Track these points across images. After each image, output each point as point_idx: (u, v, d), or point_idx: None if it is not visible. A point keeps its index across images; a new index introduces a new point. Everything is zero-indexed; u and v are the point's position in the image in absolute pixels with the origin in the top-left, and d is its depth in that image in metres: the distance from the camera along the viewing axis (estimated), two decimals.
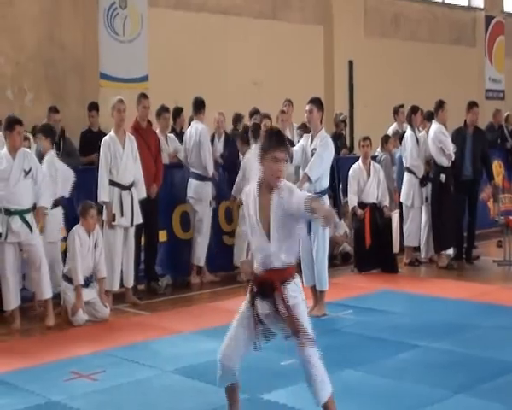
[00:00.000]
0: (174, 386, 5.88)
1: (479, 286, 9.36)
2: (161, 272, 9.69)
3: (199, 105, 9.92)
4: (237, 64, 13.81)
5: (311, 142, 7.95)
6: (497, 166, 13.59)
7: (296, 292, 4.51)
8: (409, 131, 10.90)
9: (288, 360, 6.34)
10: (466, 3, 19.57)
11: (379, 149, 11.98)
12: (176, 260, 10.01)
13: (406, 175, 10.78)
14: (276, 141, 4.42)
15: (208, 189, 9.83)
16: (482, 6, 19.60)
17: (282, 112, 11.11)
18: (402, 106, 12.27)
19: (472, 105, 10.83)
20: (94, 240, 8.03)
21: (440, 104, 10.70)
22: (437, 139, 10.46)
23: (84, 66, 12.14)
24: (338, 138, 12.89)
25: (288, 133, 11.19)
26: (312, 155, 7.86)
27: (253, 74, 14.02)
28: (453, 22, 18.85)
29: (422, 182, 10.72)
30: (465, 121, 10.85)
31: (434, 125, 10.62)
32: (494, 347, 6.62)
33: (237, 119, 11.69)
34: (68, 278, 7.95)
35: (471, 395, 5.41)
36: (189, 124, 10.23)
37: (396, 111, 12.32)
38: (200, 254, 9.78)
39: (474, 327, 7.30)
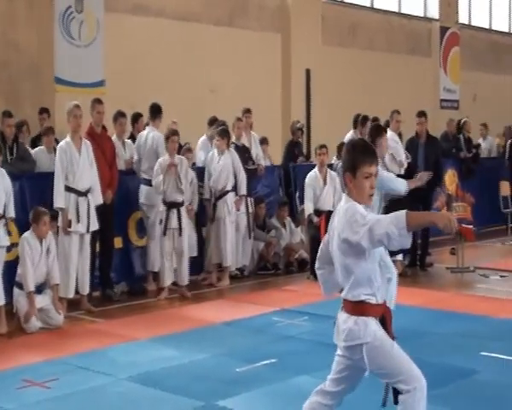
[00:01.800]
0: (129, 394, 5.83)
1: (432, 293, 9.48)
2: (117, 279, 9.62)
3: (155, 111, 9.89)
4: (195, 71, 13.80)
5: None
6: (451, 175, 13.76)
7: None
8: None
9: (243, 366, 6.36)
10: (422, 14, 19.85)
11: (335, 157, 12.07)
12: (131, 266, 9.96)
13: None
14: (368, 154, 3.93)
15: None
16: (437, 17, 19.89)
17: (239, 119, 11.14)
18: (359, 115, 12.40)
19: (418, 115, 11.01)
20: (46, 246, 7.93)
21: (391, 114, 10.98)
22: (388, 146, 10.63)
23: (40, 70, 12.01)
24: (295, 146, 12.98)
25: (244, 141, 11.25)
26: None
27: (210, 81, 14.02)
28: (409, 32, 19.10)
29: None
30: (416, 131, 11.05)
31: (388, 134, 10.80)
32: (447, 353, 6.71)
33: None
34: (20, 285, 7.84)
35: None
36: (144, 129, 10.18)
37: (358, 121, 12.36)
38: (153, 260, 9.74)
39: (428, 334, 7.38)
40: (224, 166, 10.20)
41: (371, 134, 7.86)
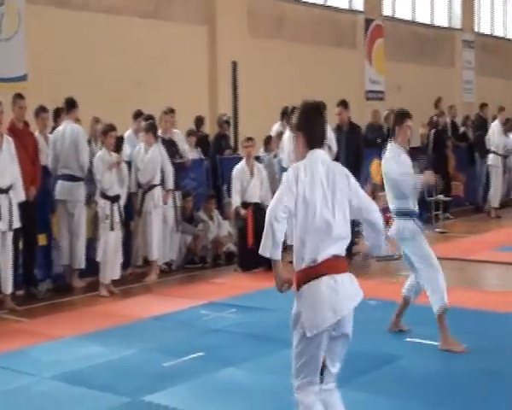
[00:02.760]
0: (53, 393, 5.74)
1: (359, 282, 9.57)
2: (41, 277, 9.45)
3: (70, 105, 9.76)
4: (120, 64, 13.62)
5: None
6: (377, 165, 13.92)
7: None
8: (287, 133, 11.05)
9: (170, 361, 6.34)
10: (347, 7, 20.06)
11: (262, 150, 12.12)
12: (56, 263, 9.78)
13: (284, 176, 10.95)
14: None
15: (82, 188, 9.66)
16: (362, 9, 20.13)
17: (165, 113, 11.08)
18: (287, 107, 12.44)
19: (337, 105, 11.09)
20: None
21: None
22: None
23: None
24: (222, 139, 12.97)
25: (169, 134, 11.21)
26: None
27: (135, 74, 13.85)
28: (335, 24, 19.26)
29: None
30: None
31: None
32: (372, 340, 6.80)
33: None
34: None
35: (350, 388, 5.49)
36: None
37: (286, 113, 12.39)
38: (80, 257, 9.60)
39: (355, 322, 7.46)
40: (151, 159, 10.13)
41: (396, 119, 7.53)
